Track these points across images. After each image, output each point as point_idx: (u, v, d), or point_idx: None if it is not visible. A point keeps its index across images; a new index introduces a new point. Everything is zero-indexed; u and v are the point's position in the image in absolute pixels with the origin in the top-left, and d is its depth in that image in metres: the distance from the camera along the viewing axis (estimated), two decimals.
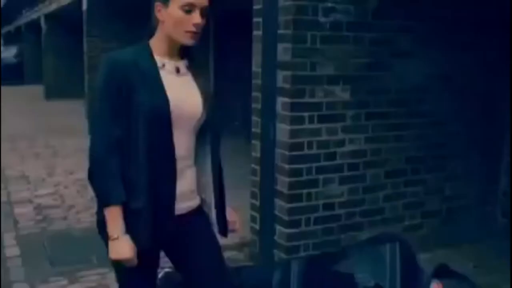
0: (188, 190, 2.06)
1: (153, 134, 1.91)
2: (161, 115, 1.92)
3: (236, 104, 9.45)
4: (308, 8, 3.64)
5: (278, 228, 3.87)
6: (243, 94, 6.39)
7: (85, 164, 2.12)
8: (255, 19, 3.93)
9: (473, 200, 4.64)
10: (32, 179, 6.94)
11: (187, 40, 1.98)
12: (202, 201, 2.15)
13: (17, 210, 5.62)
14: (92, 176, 1.98)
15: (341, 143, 3.90)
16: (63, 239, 4.76)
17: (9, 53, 23.07)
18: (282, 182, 3.78)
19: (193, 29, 1.96)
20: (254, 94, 4.01)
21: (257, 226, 4.07)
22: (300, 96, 3.70)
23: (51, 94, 15.84)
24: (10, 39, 24.06)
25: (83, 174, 3.57)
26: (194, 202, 2.10)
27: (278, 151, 3.79)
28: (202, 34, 2.02)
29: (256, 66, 3.95)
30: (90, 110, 9.67)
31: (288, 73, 3.66)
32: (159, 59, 2.00)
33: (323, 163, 3.83)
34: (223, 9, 7.92)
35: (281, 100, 3.74)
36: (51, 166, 7.66)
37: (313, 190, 3.84)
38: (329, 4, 3.70)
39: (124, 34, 9.33)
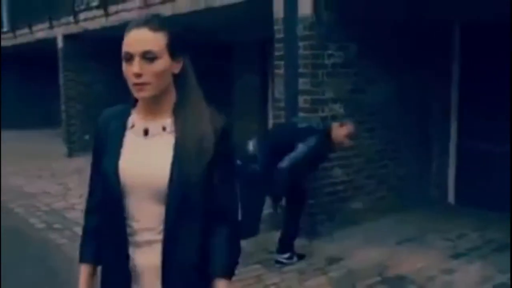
0: (147, 265, 1.80)
1: (108, 202, 1.82)
2: (110, 181, 1.78)
3: None
4: (319, 55, 5.64)
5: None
6: None
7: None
8: (276, 62, 5.88)
9: (415, 179, 6.81)
10: (54, 193, 8.37)
11: (137, 95, 1.74)
12: None
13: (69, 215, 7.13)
14: None
15: None
16: None
17: None
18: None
19: (133, 80, 1.71)
20: (276, 112, 5.95)
21: None
22: (314, 111, 5.68)
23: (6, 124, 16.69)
24: None
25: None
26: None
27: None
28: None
29: (278, 93, 5.90)
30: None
31: (308, 97, 5.63)
32: (135, 119, 1.83)
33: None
34: None
35: (302, 115, 5.69)
36: (60, 183, 9.10)
37: (321, 173, 5.81)
38: (330, 52, 5.73)
39: (97, 69, 10.96)
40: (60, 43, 11.32)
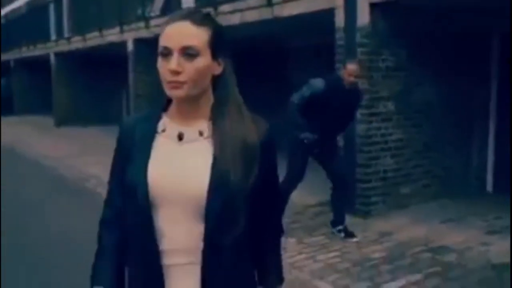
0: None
1: (135, 218, 1.59)
2: (138, 193, 1.55)
3: None
4: (374, 60, 6.57)
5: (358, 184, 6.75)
6: None
7: None
8: (337, 65, 6.82)
9: (457, 170, 7.66)
10: None
11: (170, 93, 1.54)
12: None
13: None
14: None
15: (389, 134, 6.83)
16: None
17: None
18: (360, 157, 6.66)
19: (169, 77, 1.51)
20: None
21: None
22: (370, 108, 6.61)
23: (61, 122, 18.07)
24: None
25: None
26: None
27: (358, 140, 6.68)
28: None
29: None
30: None
31: (366, 96, 6.56)
32: (167, 122, 1.61)
33: (382, 145, 6.75)
34: None
35: (359, 111, 6.62)
36: None
37: (375, 162, 6.73)
38: (384, 57, 6.65)
39: None
40: (130, 47, 12.49)
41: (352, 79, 5.54)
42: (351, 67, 5.52)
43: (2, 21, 31.29)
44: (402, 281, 4.81)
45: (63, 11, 18.71)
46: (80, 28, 15.78)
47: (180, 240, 1.55)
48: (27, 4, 26.66)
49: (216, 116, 1.58)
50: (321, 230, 6.21)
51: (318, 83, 5.54)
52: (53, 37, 19.17)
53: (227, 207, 1.52)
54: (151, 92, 12.42)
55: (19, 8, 28.58)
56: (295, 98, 5.48)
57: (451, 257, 5.36)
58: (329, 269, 5.09)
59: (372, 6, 6.36)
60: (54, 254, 5.67)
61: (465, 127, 7.68)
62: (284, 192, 5.49)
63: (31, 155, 12.44)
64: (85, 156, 11.86)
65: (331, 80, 5.64)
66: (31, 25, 21.36)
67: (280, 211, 1.84)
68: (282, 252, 1.81)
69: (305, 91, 5.50)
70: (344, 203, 6.03)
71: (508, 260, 5.18)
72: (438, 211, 6.92)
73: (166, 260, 1.57)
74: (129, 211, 1.62)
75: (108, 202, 1.71)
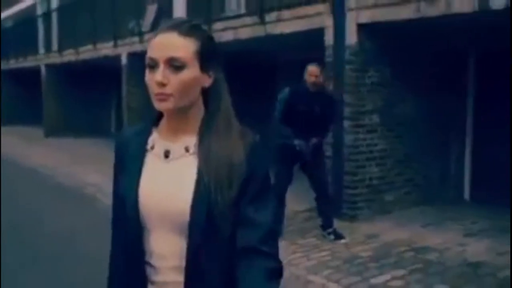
0: None
1: (126, 235, 1.59)
2: (128, 210, 1.56)
3: None
4: (360, 76, 7.13)
5: (345, 190, 7.28)
6: None
7: None
8: (326, 81, 7.37)
9: (436, 179, 8.24)
10: None
11: (158, 106, 1.51)
12: None
13: None
14: None
15: (374, 144, 7.38)
16: None
17: None
18: (348, 165, 7.20)
19: (156, 89, 1.48)
20: None
21: None
22: (356, 120, 7.16)
23: (50, 133, 18.41)
24: None
25: None
26: None
27: (346, 149, 7.21)
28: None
29: None
30: None
31: (352, 108, 7.11)
32: (156, 138, 1.60)
33: (368, 155, 7.30)
34: None
35: (346, 123, 7.17)
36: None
37: (361, 170, 7.27)
38: (369, 74, 7.22)
39: None
40: (124, 60, 12.96)
41: (313, 79, 6.07)
42: (311, 68, 6.09)
43: None
44: (388, 276, 5.33)
45: (52, 25, 19.18)
46: (70, 41, 16.21)
47: (169, 257, 1.54)
48: (14, 17, 27.00)
49: (204, 131, 1.55)
50: (312, 233, 6.71)
51: (284, 92, 6.21)
52: (41, 50, 19.59)
53: (208, 224, 1.49)
54: (143, 104, 12.87)
55: (5, 20, 28.86)
56: (276, 112, 6.16)
57: (431, 256, 5.89)
58: (322, 266, 5.59)
59: (359, 26, 6.93)
60: (61, 253, 6.11)
61: (443, 139, 8.27)
62: (278, 197, 6.00)
63: (26, 164, 12.81)
64: (79, 165, 12.26)
65: (296, 86, 6.29)
66: (19, 37, 21.73)
67: (272, 227, 1.55)
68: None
69: (279, 102, 6.17)
70: (330, 208, 6.55)
71: (482, 259, 5.74)
72: (419, 216, 7.47)
73: (155, 277, 1.57)
74: (118, 223, 1.64)
75: (113, 227, 1.70)
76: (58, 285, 5.22)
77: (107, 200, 8.22)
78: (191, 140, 1.56)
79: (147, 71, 1.51)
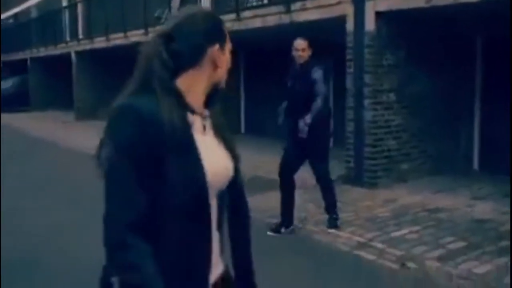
0: (216, 259, 1.72)
1: (187, 213, 1.59)
2: (198, 191, 1.59)
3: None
4: (378, 59, 7.98)
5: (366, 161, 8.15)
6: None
7: None
8: (348, 63, 8.22)
9: (447, 150, 9.08)
10: None
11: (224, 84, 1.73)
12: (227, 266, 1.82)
13: None
14: (119, 270, 1.53)
15: (391, 120, 8.24)
16: None
17: (6, 84, 26.40)
18: (368, 138, 8.07)
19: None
20: (349, 98, 8.28)
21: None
22: (375, 98, 8.01)
23: (81, 117, 19.41)
24: (12, 69, 27.25)
25: None
26: (220, 269, 1.77)
27: (366, 124, 8.08)
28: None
29: (349, 85, 8.24)
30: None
31: (370, 88, 7.96)
32: (189, 114, 1.62)
33: (385, 129, 8.16)
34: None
35: (366, 101, 8.02)
36: None
37: (380, 142, 8.14)
38: (386, 56, 8.06)
39: None
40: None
41: (299, 53, 5.84)
42: (295, 42, 5.87)
43: (12, 22, 32.65)
44: (405, 231, 6.22)
45: (78, 14, 20.17)
46: (100, 29, 17.15)
47: (214, 220, 1.70)
48: (38, 7, 28.03)
49: (213, 105, 1.74)
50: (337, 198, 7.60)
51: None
52: (67, 37, 20.57)
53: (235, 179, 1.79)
54: None
55: (29, 11, 29.90)
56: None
57: (442, 215, 6.78)
58: (347, 224, 6.48)
59: (378, 14, 7.76)
60: None
61: (454, 114, 9.10)
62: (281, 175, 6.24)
63: (65, 146, 13.79)
64: None
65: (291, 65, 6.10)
66: (44, 26, 22.75)
67: None
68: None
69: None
70: (328, 195, 6.27)
71: (487, 217, 6.62)
72: (431, 184, 8.33)
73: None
74: (171, 209, 1.56)
75: (128, 203, 1.51)
76: None
77: None
78: (206, 112, 1.70)
79: (228, 56, 1.75)
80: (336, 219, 6.30)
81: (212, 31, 1.68)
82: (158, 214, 1.54)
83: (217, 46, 1.67)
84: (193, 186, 1.58)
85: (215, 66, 1.67)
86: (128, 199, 1.51)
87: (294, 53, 5.89)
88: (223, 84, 1.73)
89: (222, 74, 1.71)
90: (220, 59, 1.68)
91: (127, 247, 1.49)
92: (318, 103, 5.84)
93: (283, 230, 6.22)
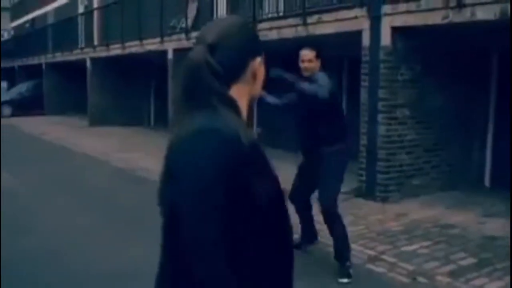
0: None
1: (284, 228, 1.64)
2: (282, 206, 1.64)
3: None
4: (394, 73, 8.04)
5: (378, 175, 8.19)
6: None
7: None
8: (363, 77, 8.29)
9: (460, 166, 9.11)
10: None
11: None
12: None
13: None
14: None
15: (405, 135, 8.29)
16: None
17: (21, 88, 26.72)
18: (381, 153, 8.12)
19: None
20: (363, 113, 8.33)
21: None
22: (389, 113, 8.07)
23: (94, 122, 19.57)
24: (27, 74, 27.58)
25: None
26: None
27: (379, 139, 8.13)
28: None
29: (364, 99, 8.30)
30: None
31: (385, 103, 8.02)
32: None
33: (399, 144, 8.21)
34: None
35: (380, 116, 8.07)
36: None
37: (393, 157, 8.19)
38: (401, 71, 8.11)
39: None
40: (170, 55, 13.99)
41: (305, 65, 5.18)
42: (302, 51, 5.26)
43: (28, 28, 33.08)
44: (416, 246, 6.25)
45: (94, 22, 20.43)
46: (112, 36, 17.37)
47: None
48: (55, 13, 28.37)
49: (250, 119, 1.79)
50: (349, 211, 7.63)
51: None
52: (83, 44, 20.82)
53: None
54: None
55: (45, 17, 30.28)
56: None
57: (454, 231, 6.80)
58: (358, 237, 6.52)
59: (393, 29, 7.83)
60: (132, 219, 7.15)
61: (467, 131, 9.13)
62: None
63: (79, 151, 13.92)
64: (127, 152, 13.35)
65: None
66: (60, 32, 23.02)
67: None
68: None
69: None
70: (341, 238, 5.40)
71: (498, 234, 6.63)
72: (443, 200, 8.35)
73: None
74: (271, 226, 1.58)
75: (215, 221, 1.45)
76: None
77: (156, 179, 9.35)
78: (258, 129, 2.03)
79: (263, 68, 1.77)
80: (349, 267, 5.24)
81: (253, 43, 1.68)
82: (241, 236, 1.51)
83: (258, 59, 1.67)
84: (276, 203, 1.59)
85: (254, 79, 1.67)
86: (215, 218, 1.45)
87: (300, 64, 5.23)
88: (257, 98, 1.74)
89: (259, 87, 1.72)
90: (260, 72, 1.69)
91: (226, 280, 1.45)
92: (303, 85, 5.00)
93: (305, 246, 5.93)
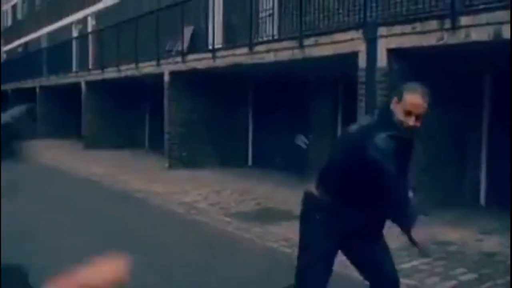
0: None
1: None
2: None
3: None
4: (389, 94, 8.18)
5: None
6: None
7: None
8: (359, 97, 8.44)
9: (455, 185, 9.25)
10: (177, 192, 11.01)
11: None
12: None
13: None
14: None
15: None
16: None
17: (14, 112, 26.67)
18: None
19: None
20: None
21: None
22: None
23: (89, 145, 19.62)
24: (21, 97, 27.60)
25: None
26: None
27: None
28: None
29: (360, 113, 8.45)
30: None
31: None
32: None
33: None
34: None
35: None
36: (174, 186, 11.73)
37: None
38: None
39: (195, 100, 13.77)
40: (166, 77, 14.14)
41: (417, 123, 3.65)
42: (410, 97, 3.50)
43: (21, 51, 33.21)
44: (416, 262, 6.35)
45: (89, 46, 20.63)
46: (107, 60, 17.56)
47: None
48: (48, 38, 28.56)
49: None
50: None
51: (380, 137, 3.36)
52: (77, 67, 20.98)
53: None
54: (182, 117, 14.05)
55: (39, 41, 30.44)
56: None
57: (452, 248, 6.92)
58: None
59: (389, 51, 8.01)
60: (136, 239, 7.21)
61: (462, 150, 9.30)
62: None
63: (78, 175, 13.96)
64: (124, 174, 13.41)
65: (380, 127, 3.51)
66: (54, 56, 23.18)
67: None
68: None
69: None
70: None
71: (496, 250, 6.75)
72: (439, 217, 8.44)
73: None
74: None
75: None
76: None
77: (155, 201, 9.48)
78: None
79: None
80: None
81: None
82: None
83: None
84: None
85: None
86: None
87: (400, 116, 3.42)
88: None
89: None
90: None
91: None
92: None
93: None
